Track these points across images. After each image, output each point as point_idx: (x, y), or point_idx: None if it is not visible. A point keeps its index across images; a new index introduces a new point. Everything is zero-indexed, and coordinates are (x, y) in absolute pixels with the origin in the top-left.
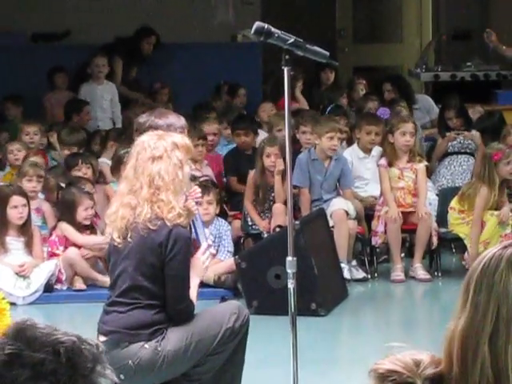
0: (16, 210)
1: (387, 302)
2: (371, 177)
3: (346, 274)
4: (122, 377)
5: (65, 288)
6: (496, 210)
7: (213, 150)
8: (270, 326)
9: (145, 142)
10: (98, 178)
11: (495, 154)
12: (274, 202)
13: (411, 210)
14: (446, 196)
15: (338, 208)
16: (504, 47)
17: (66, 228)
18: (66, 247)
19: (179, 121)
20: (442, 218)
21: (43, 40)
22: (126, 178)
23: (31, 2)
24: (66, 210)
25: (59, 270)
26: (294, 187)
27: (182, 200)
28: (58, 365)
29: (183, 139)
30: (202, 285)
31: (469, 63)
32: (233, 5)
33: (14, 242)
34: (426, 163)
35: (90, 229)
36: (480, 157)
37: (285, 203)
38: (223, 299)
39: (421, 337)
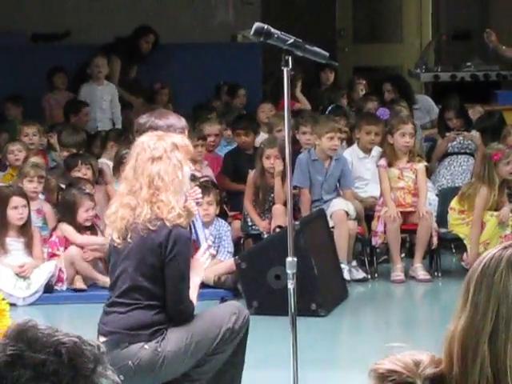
0: (16, 211)
1: (387, 303)
2: (371, 177)
3: (346, 275)
4: (121, 377)
5: (65, 287)
6: (496, 210)
7: (213, 150)
8: (270, 326)
9: (144, 142)
10: (98, 179)
11: (495, 154)
12: (274, 203)
13: (411, 209)
14: (445, 196)
15: (338, 208)
16: (504, 47)
17: (65, 228)
18: (66, 248)
19: (179, 121)
20: (441, 219)
21: (43, 40)
22: (126, 179)
23: (31, 2)
24: (66, 212)
25: (60, 269)
26: (294, 188)
27: (182, 200)
28: (60, 365)
29: (183, 140)
30: (202, 285)
31: (469, 63)
32: (233, 5)
33: (14, 242)
34: (425, 163)
35: (91, 229)
36: (480, 157)
37: (285, 204)
38: (223, 300)
39: (421, 337)
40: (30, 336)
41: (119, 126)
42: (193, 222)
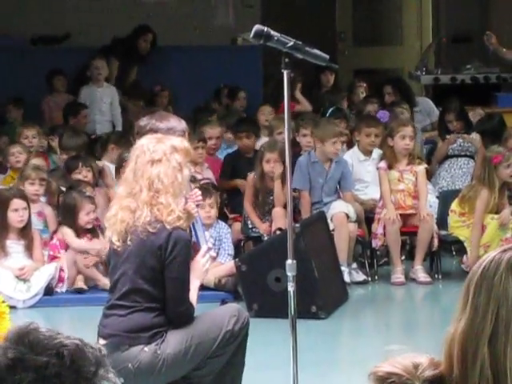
0: (16, 214)
1: (387, 305)
2: (371, 179)
3: (347, 277)
4: (121, 380)
5: (65, 288)
6: (496, 213)
7: (214, 153)
8: (271, 328)
9: (144, 145)
10: (98, 181)
11: (495, 156)
12: (274, 206)
13: (411, 212)
14: (446, 198)
15: (339, 211)
16: (504, 50)
17: (65, 232)
18: (67, 251)
19: (180, 124)
20: (442, 221)
21: (43, 43)
22: (126, 181)
23: (30, 4)
24: (67, 215)
25: (61, 269)
26: (294, 190)
27: (182, 203)
28: (62, 368)
29: (182, 142)
30: (203, 288)
31: (469, 66)
32: (233, 8)
33: (14, 245)
34: (425, 165)
35: (92, 232)
36: (480, 159)
37: (284, 207)
38: (223, 302)
39: (421, 339)
40: (32, 339)
41: (119, 128)
42: (193, 224)
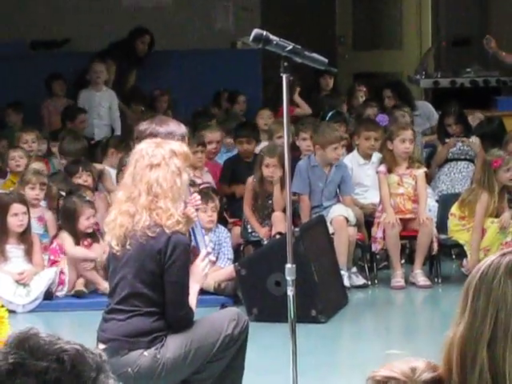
0: (16, 218)
1: (387, 309)
2: (371, 183)
3: (346, 281)
4: None
5: (65, 290)
6: (496, 216)
7: (214, 157)
8: (271, 332)
9: (143, 149)
10: (98, 185)
11: (495, 160)
12: (273, 210)
13: (411, 216)
14: (445, 202)
15: (338, 215)
16: (503, 53)
17: (64, 238)
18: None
19: (180, 128)
20: (441, 225)
21: (43, 47)
22: (125, 186)
23: (30, 8)
24: (67, 219)
25: (61, 271)
26: (294, 194)
27: (181, 207)
28: (62, 373)
29: (181, 147)
30: (202, 292)
31: (468, 69)
32: (232, 12)
33: (13, 249)
34: (425, 169)
35: (93, 236)
36: (480, 163)
37: (284, 211)
38: (223, 306)
39: (421, 343)
40: (32, 344)
41: (118, 132)
42: (192, 228)
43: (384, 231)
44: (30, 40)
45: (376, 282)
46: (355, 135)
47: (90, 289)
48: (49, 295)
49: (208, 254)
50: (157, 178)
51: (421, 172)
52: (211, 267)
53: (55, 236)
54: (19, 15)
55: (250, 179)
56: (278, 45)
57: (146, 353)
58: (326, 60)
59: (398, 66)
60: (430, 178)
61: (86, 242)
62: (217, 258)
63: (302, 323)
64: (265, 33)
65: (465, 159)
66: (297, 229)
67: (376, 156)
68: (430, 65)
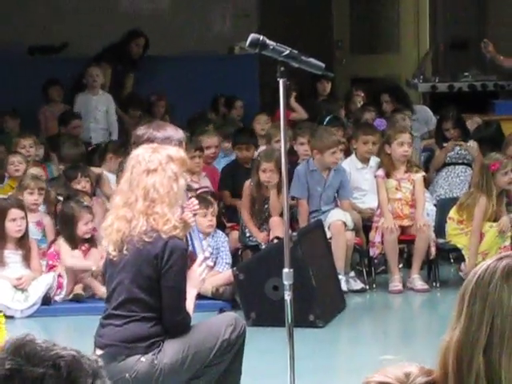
0: (14, 223)
1: (385, 313)
2: (369, 188)
3: (344, 285)
4: None
5: (63, 294)
6: (495, 221)
7: (212, 162)
8: (269, 337)
9: (139, 155)
10: (96, 190)
11: (493, 164)
12: (270, 214)
13: (409, 224)
14: (443, 206)
15: (336, 219)
16: (501, 57)
17: (61, 245)
18: None
19: (177, 133)
20: (440, 229)
21: (40, 53)
22: (121, 191)
23: (28, 13)
24: (65, 225)
25: (59, 275)
26: (293, 198)
27: (178, 212)
28: (59, 379)
29: (178, 152)
30: (201, 297)
31: (466, 73)
32: (230, 17)
33: (11, 255)
34: (423, 173)
35: (90, 242)
36: (478, 167)
37: (281, 216)
38: (221, 311)
39: (419, 347)
40: (28, 350)
41: (115, 136)
42: (189, 233)
43: (382, 236)
44: (28, 45)
45: (374, 286)
46: (353, 139)
47: (88, 294)
48: (47, 300)
49: (205, 258)
50: (153, 184)
51: (419, 176)
52: (209, 272)
53: (53, 241)
54: (17, 18)
55: (247, 183)
56: (274, 50)
57: (143, 358)
58: (323, 65)
59: (395, 70)
60: (427, 183)
61: (83, 247)
62: (215, 262)
63: (299, 328)
64: (261, 38)
65: (462, 163)
66: (295, 233)
67: (374, 160)
68: (428, 69)
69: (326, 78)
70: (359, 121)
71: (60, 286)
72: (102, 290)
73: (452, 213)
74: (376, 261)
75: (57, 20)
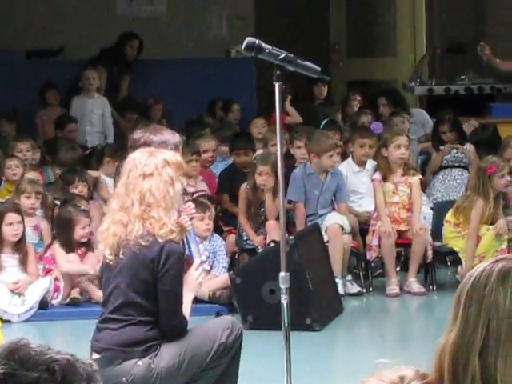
0: (11, 227)
1: (382, 317)
2: (366, 191)
3: (341, 289)
4: None
5: (60, 297)
6: (491, 224)
7: (210, 166)
8: (265, 340)
9: (136, 159)
10: (93, 193)
11: (489, 167)
12: (266, 218)
13: (406, 228)
14: (440, 209)
15: (333, 223)
16: (497, 60)
17: (56, 249)
18: None
19: (174, 137)
20: (436, 232)
21: (37, 56)
22: (118, 195)
23: (25, 17)
24: (62, 229)
25: (56, 278)
26: (290, 202)
27: (174, 216)
28: (53, 383)
29: (174, 156)
30: (197, 301)
31: (463, 77)
32: (226, 20)
33: (8, 259)
34: (420, 176)
35: (86, 246)
36: (474, 170)
37: (277, 219)
38: (218, 315)
39: (416, 350)
40: (22, 354)
41: (111, 139)
42: (186, 237)
43: (379, 239)
44: (25, 49)
45: (371, 289)
46: (350, 142)
47: (85, 298)
48: (44, 304)
49: (202, 262)
50: (149, 188)
51: (416, 179)
52: (205, 276)
53: (49, 245)
54: (16, 21)
55: (243, 186)
56: (270, 53)
57: (140, 362)
58: (319, 68)
59: (392, 74)
60: (424, 186)
61: (80, 251)
62: (211, 266)
63: (296, 331)
64: (257, 41)
65: (459, 166)
66: (291, 237)
67: (370, 163)
68: (425, 72)
69: (322, 81)
70: (356, 124)
71: (57, 290)
72: (98, 294)
73: (449, 216)
74: (373, 264)
75: (54, 24)
